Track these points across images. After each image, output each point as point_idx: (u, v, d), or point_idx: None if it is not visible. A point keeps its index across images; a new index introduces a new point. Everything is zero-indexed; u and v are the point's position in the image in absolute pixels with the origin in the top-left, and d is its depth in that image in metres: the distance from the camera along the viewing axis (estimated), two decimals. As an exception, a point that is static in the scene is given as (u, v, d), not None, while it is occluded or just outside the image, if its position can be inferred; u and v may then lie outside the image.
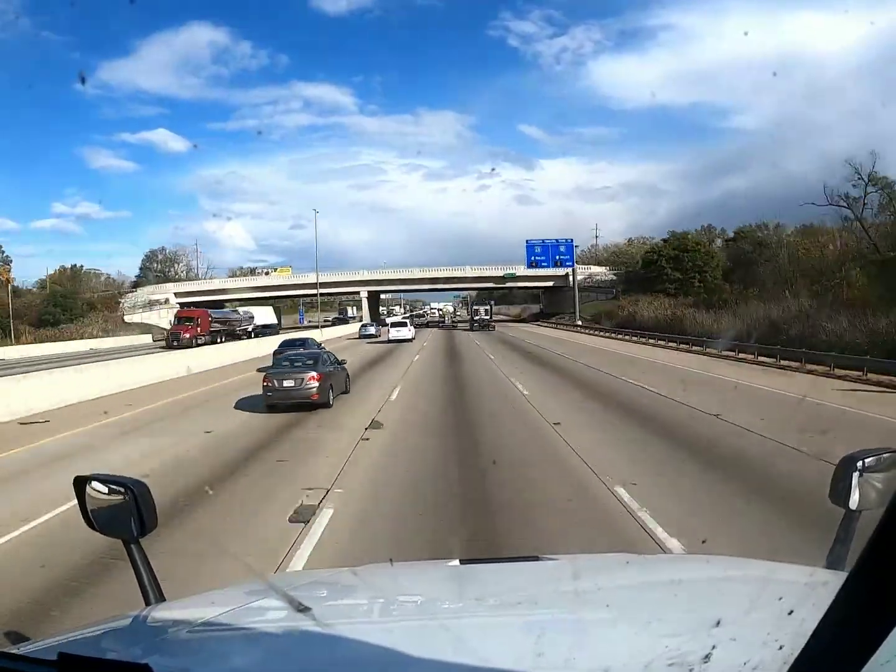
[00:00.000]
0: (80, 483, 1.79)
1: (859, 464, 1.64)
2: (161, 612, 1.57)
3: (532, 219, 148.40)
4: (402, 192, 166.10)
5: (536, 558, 2.11)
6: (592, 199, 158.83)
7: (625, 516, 6.38)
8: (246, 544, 6.07)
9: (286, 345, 22.89)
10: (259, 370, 19.13)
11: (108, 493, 1.74)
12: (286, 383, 13.63)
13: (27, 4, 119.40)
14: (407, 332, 41.34)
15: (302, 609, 1.39)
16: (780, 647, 0.94)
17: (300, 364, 14.40)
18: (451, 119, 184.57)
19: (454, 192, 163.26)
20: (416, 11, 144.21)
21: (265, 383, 13.91)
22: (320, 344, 24.68)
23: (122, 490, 1.70)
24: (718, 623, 1.14)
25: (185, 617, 1.49)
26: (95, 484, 1.77)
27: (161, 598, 1.67)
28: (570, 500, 6.94)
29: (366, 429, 11.43)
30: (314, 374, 13.78)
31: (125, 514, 1.67)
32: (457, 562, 2.07)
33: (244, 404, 14.83)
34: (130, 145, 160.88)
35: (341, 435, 11.03)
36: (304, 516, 6.61)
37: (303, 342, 23.56)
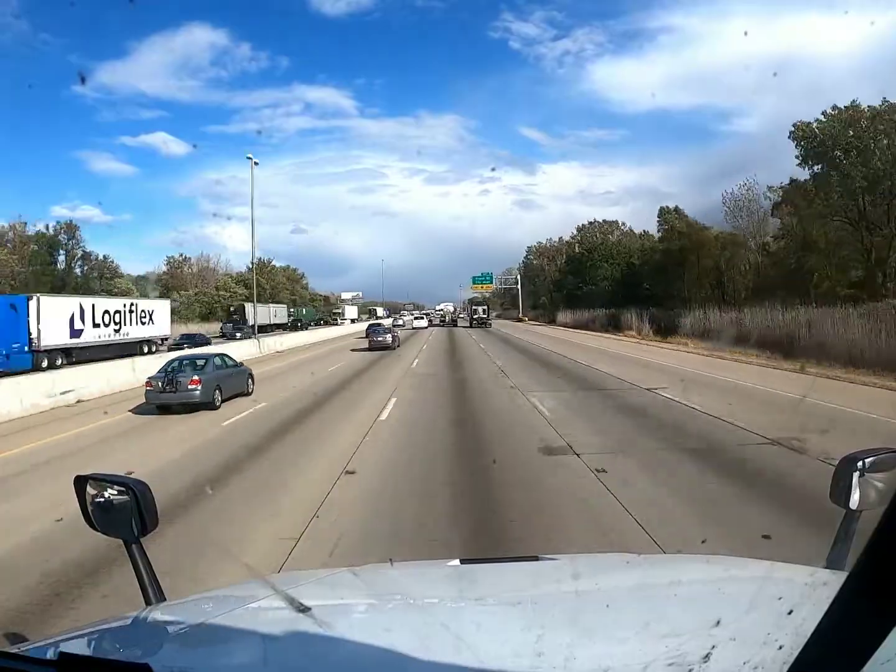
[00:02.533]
0: (81, 482, 1.78)
1: (859, 464, 1.64)
2: (161, 612, 1.57)
3: (534, 223, 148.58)
4: (404, 197, 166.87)
5: (536, 558, 2.11)
6: (595, 202, 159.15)
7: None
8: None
9: (372, 325, 47.15)
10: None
11: (109, 493, 1.74)
12: (378, 339, 33.72)
13: (25, 5, 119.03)
14: (424, 323, 70.94)
15: (302, 609, 1.39)
16: (780, 647, 0.94)
17: (383, 331, 35.82)
18: (452, 122, 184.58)
19: (456, 197, 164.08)
20: (417, 13, 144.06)
21: (369, 339, 34.43)
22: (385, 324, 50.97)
23: (123, 489, 1.70)
24: (718, 623, 1.14)
25: (185, 617, 1.49)
26: (96, 483, 1.77)
27: (161, 598, 1.67)
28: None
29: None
30: (391, 336, 34.52)
31: (126, 513, 1.66)
32: (457, 561, 2.07)
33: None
34: (131, 148, 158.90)
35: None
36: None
37: (379, 324, 47.90)
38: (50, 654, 1.03)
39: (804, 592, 1.30)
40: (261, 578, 2.21)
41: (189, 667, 1.21)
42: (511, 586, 1.74)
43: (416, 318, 74.72)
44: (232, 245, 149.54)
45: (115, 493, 1.72)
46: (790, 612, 1.05)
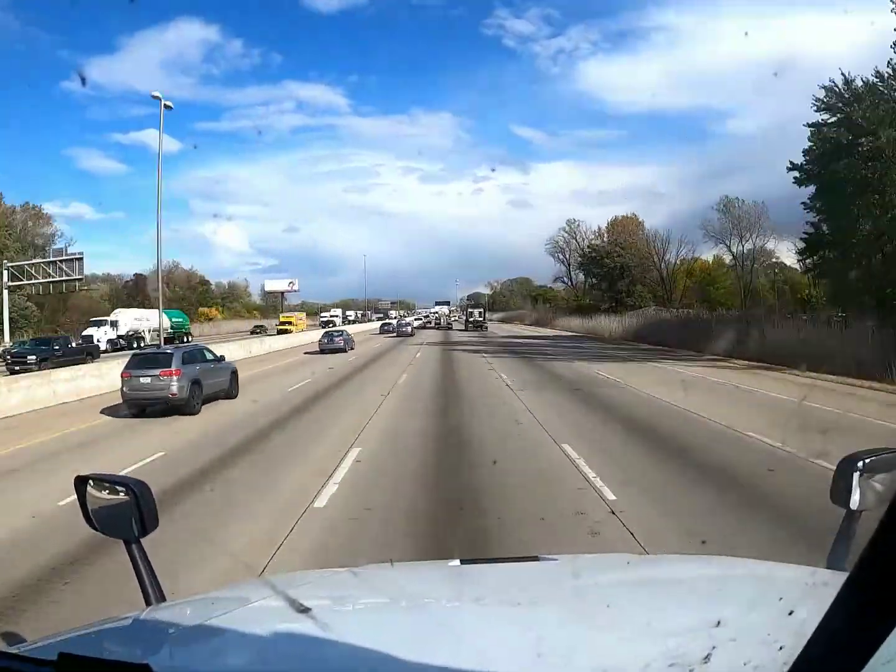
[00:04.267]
0: (81, 482, 1.78)
1: (860, 464, 1.63)
2: (161, 612, 1.57)
3: (529, 223, 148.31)
4: (398, 196, 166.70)
5: (536, 558, 2.11)
6: (591, 203, 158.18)
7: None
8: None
9: (385, 322, 67.72)
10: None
11: (109, 493, 1.74)
12: (402, 329, 57.50)
13: (16, 1, 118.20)
14: (417, 323, 77.09)
15: (302, 609, 1.39)
16: (780, 648, 0.93)
17: (403, 323, 62.45)
18: (447, 121, 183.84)
19: (451, 196, 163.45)
20: (410, 9, 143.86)
21: (388, 330, 59.94)
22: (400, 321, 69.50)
23: (123, 490, 1.69)
24: (718, 623, 1.14)
25: (185, 617, 1.49)
26: (96, 483, 1.77)
27: (161, 598, 1.67)
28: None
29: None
30: (410, 327, 59.39)
31: (126, 514, 1.66)
32: (457, 562, 2.06)
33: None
34: (122, 146, 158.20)
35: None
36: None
37: (389, 323, 63.68)
38: (49, 655, 1.03)
39: (805, 592, 1.30)
40: (261, 578, 2.22)
41: (189, 667, 1.21)
42: (511, 586, 1.74)
43: (416, 319, 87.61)
44: (226, 246, 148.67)
45: (115, 493, 1.72)
46: (791, 613, 1.05)
